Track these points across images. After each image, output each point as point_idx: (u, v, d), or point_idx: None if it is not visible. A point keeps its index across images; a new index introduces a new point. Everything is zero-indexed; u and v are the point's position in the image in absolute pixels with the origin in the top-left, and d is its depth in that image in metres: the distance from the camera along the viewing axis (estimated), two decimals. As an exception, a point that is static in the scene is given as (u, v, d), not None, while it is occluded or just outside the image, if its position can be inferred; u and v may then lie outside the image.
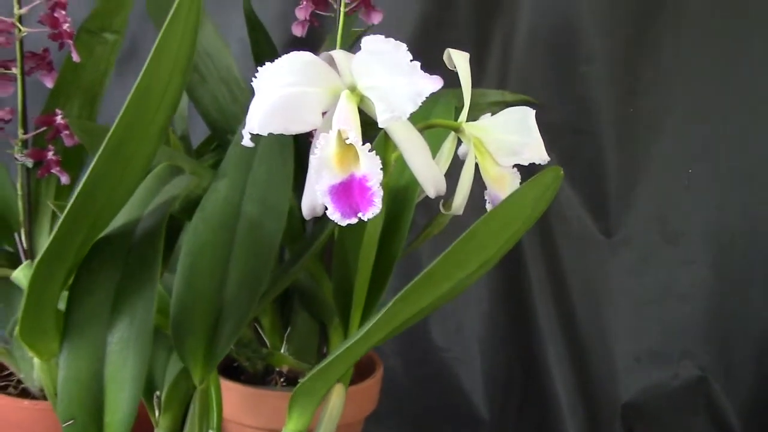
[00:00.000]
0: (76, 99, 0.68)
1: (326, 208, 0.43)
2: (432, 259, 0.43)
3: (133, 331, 0.49)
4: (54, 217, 0.72)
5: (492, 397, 0.99)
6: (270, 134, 0.58)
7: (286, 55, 0.46)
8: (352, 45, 0.75)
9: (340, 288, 0.61)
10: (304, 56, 0.45)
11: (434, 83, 0.41)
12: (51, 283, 0.47)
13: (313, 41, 0.80)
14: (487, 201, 0.59)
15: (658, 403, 0.99)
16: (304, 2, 0.72)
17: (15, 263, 0.72)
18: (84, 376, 0.48)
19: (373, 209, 0.42)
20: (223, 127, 0.72)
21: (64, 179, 0.66)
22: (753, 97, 1.01)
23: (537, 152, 0.59)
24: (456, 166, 0.57)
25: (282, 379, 0.78)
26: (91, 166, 0.44)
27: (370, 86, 0.44)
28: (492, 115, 0.58)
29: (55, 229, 0.44)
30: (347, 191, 0.43)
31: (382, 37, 0.42)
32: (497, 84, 1.02)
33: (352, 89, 0.47)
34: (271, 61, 0.71)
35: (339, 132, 0.43)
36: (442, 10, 1.01)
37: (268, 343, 0.79)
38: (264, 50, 0.74)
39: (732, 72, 1.01)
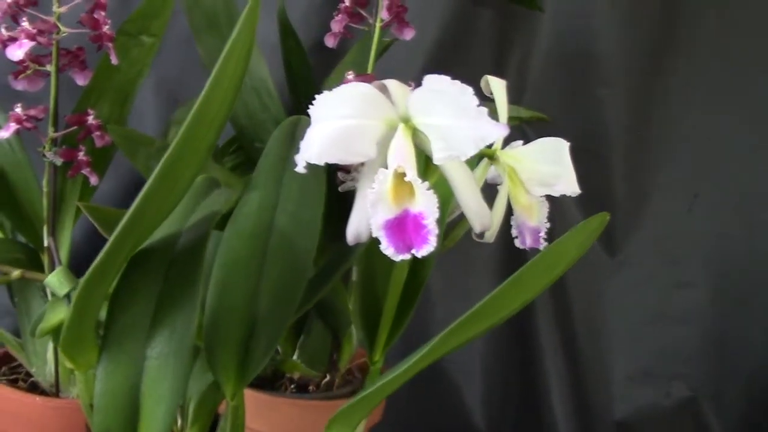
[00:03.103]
0: (107, 99, 0.68)
1: (379, 242, 0.44)
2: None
3: (173, 346, 0.49)
4: (77, 214, 0.71)
5: (490, 412, 1.00)
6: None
7: (344, 85, 0.46)
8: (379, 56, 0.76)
9: (367, 307, 0.62)
10: (362, 88, 0.46)
11: (500, 130, 0.41)
12: (94, 298, 0.47)
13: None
14: (514, 226, 0.60)
15: (651, 422, 1.01)
16: (340, 15, 0.72)
17: (33, 258, 0.72)
18: (121, 389, 0.49)
19: (427, 247, 0.43)
20: (251, 134, 0.72)
21: (93, 180, 0.65)
22: (762, 125, 1.03)
23: (569, 184, 0.60)
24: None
25: (292, 386, 0.79)
26: (146, 186, 0.44)
27: (430, 124, 0.44)
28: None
29: (106, 247, 0.45)
30: (401, 227, 0.43)
31: (448, 78, 0.43)
32: (513, 101, 1.03)
33: (406, 120, 0.47)
34: (302, 69, 0.72)
35: (396, 168, 0.44)
36: (460, 30, 1.02)
37: (280, 350, 0.79)
38: (295, 58, 0.74)
39: (742, 99, 1.03)
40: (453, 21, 1.03)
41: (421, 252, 0.43)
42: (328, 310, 0.76)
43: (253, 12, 0.43)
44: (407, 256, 0.43)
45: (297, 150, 0.65)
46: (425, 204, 0.43)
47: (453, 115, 0.42)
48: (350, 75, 0.68)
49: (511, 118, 1.02)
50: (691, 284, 1.04)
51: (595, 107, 1.03)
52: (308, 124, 0.66)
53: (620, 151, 1.04)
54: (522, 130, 1.04)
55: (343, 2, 0.71)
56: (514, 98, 1.05)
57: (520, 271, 0.44)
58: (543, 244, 0.58)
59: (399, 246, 0.43)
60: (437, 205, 0.43)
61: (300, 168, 0.46)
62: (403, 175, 0.44)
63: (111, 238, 0.45)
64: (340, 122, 0.45)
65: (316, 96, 0.47)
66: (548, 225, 0.60)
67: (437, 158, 0.44)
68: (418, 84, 0.77)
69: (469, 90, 0.42)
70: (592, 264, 1.03)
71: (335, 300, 0.75)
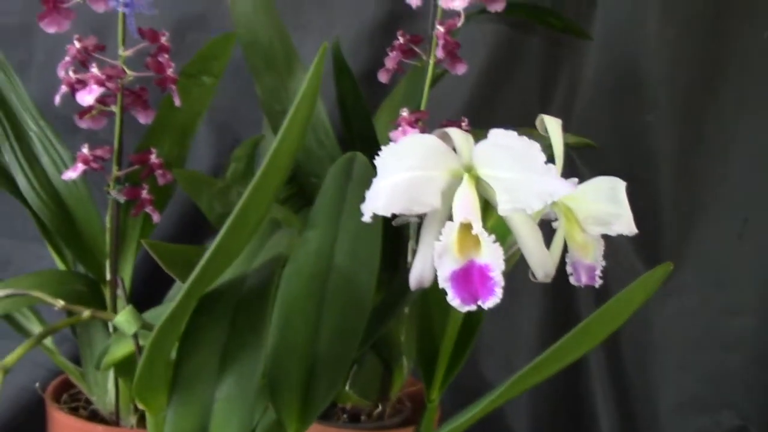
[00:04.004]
0: (168, 137, 0.70)
1: (446, 293, 0.44)
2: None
3: (240, 388, 0.50)
4: (138, 248, 0.73)
5: (537, 436, 1.00)
6: (360, 189, 0.59)
7: (410, 137, 0.47)
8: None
9: (424, 343, 0.62)
10: (427, 140, 0.47)
11: (568, 187, 0.42)
12: (167, 343, 0.49)
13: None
14: (568, 263, 0.60)
15: (700, 451, 1.00)
16: (394, 52, 0.73)
17: (94, 289, 0.74)
18: (189, 431, 0.50)
19: (493, 299, 0.43)
20: (308, 169, 0.74)
21: (156, 218, 0.67)
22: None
23: (626, 224, 0.60)
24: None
25: (344, 415, 0.80)
26: (219, 236, 0.45)
27: (495, 176, 0.45)
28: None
29: (180, 295, 0.46)
30: (467, 278, 0.44)
31: (514, 133, 0.43)
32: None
33: (469, 169, 0.48)
34: (356, 105, 0.72)
35: (461, 221, 0.44)
36: (507, 57, 1.02)
37: (333, 380, 0.80)
38: (350, 95, 0.75)
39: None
40: (500, 48, 1.03)
41: (488, 304, 0.43)
42: (380, 341, 0.77)
43: (316, 73, 0.44)
44: (473, 308, 0.44)
45: (353, 187, 0.66)
46: (491, 256, 0.44)
47: (520, 169, 0.43)
48: (404, 112, 0.69)
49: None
50: (741, 311, 1.03)
51: (642, 133, 1.03)
52: (363, 161, 0.67)
53: (667, 177, 1.03)
54: (569, 157, 1.04)
55: (398, 40, 0.73)
56: (563, 119, 1.05)
57: (588, 320, 0.44)
58: (598, 282, 0.58)
59: (465, 297, 0.44)
60: (503, 257, 0.44)
61: (366, 218, 0.47)
62: (469, 226, 0.44)
63: (185, 287, 0.46)
64: (405, 174, 0.45)
65: (382, 148, 0.48)
66: (604, 263, 0.60)
67: (502, 209, 0.45)
68: (470, 119, 0.78)
69: (536, 145, 0.43)
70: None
71: (387, 332, 0.76)
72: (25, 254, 0.95)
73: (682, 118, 1.03)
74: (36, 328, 0.80)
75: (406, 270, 0.70)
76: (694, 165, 1.04)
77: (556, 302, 1.03)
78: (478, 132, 0.96)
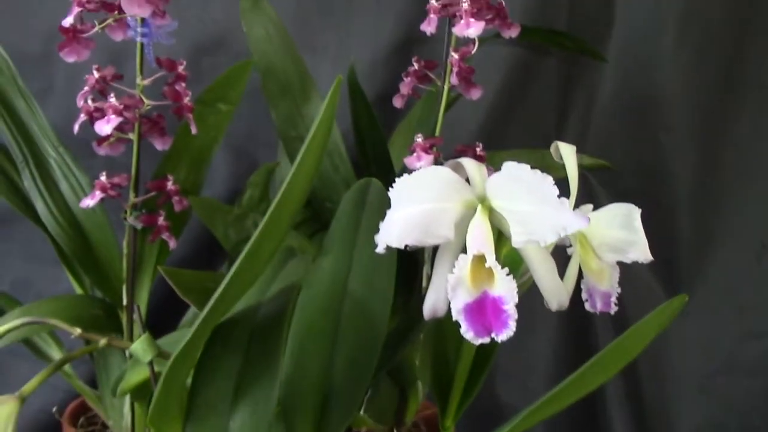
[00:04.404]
0: (184, 163, 0.70)
1: (459, 326, 0.44)
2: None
3: (255, 417, 0.50)
4: (154, 274, 0.74)
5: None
6: (374, 216, 0.60)
7: (423, 170, 0.47)
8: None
9: (438, 370, 0.62)
10: (441, 172, 0.47)
11: (581, 222, 0.42)
12: (182, 373, 0.49)
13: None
14: (584, 290, 0.59)
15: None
16: (409, 78, 0.73)
17: (111, 314, 0.75)
18: (204, 460, 0.50)
19: (507, 332, 0.43)
20: (323, 195, 0.74)
21: (172, 244, 0.68)
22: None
23: (641, 251, 0.60)
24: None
25: (359, 440, 0.80)
26: (235, 266, 0.46)
27: (508, 209, 0.45)
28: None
29: (196, 325, 0.46)
30: (481, 310, 0.44)
31: (527, 166, 0.43)
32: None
33: (482, 200, 0.48)
34: (371, 130, 0.73)
35: (475, 253, 0.44)
36: (522, 78, 1.02)
37: (348, 404, 0.80)
38: (365, 120, 0.76)
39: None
40: (516, 69, 1.03)
41: (501, 336, 0.43)
42: (395, 366, 0.76)
43: (331, 106, 0.45)
44: (487, 340, 0.44)
45: (368, 214, 0.66)
46: (505, 289, 0.44)
47: (534, 202, 0.43)
48: (419, 138, 0.69)
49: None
50: (762, 334, 1.02)
51: (658, 153, 1.03)
52: (378, 187, 0.67)
53: (684, 198, 1.03)
54: (584, 177, 1.04)
55: (413, 65, 0.73)
56: (576, 145, 1.05)
57: (601, 354, 0.44)
58: (614, 309, 0.58)
59: (479, 330, 0.44)
60: (516, 289, 0.44)
61: (380, 249, 0.47)
62: (483, 258, 0.44)
63: (200, 317, 0.46)
64: (419, 206, 0.46)
65: (396, 172, 0.48)
66: (619, 290, 0.60)
67: (516, 242, 0.45)
68: (486, 139, 0.78)
69: (549, 179, 0.43)
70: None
71: (402, 356, 0.76)
72: (44, 277, 0.96)
73: (699, 140, 1.02)
74: (54, 352, 0.80)
75: (420, 295, 0.70)
76: (711, 187, 1.03)
77: (573, 325, 1.03)
78: (494, 154, 0.96)
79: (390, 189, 0.47)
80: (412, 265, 0.76)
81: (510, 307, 0.43)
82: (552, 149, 0.64)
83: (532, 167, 0.43)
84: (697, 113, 1.02)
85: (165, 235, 0.67)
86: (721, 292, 1.03)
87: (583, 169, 1.04)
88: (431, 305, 0.50)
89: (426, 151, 0.69)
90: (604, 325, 1.01)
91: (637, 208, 0.60)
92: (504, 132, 1.03)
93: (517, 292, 0.84)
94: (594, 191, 1.03)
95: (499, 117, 1.03)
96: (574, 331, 1.02)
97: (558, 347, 1.03)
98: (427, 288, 0.51)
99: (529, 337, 1.03)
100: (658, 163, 1.02)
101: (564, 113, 1.05)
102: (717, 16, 0.99)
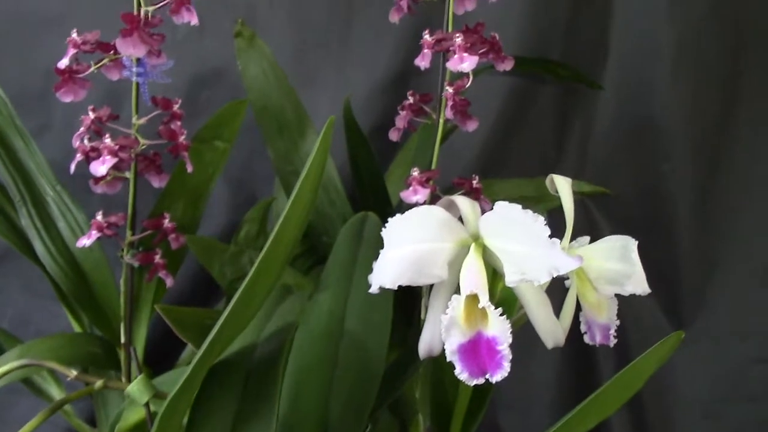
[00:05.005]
0: (181, 201, 0.70)
1: (454, 367, 0.44)
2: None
3: (251, 460, 0.50)
4: (152, 312, 0.74)
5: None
6: (371, 250, 0.59)
7: (416, 209, 0.47)
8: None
9: (437, 402, 0.62)
10: (434, 212, 0.47)
11: (574, 263, 0.42)
12: (179, 412, 0.49)
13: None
14: (582, 322, 0.59)
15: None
16: (404, 111, 0.74)
17: (109, 351, 0.75)
18: (201, 503, 0.50)
19: (501, 372, 0.43)
20: (319, 229, 0.74)
21: (169, 282, 0.68)
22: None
23: (638, 284, 0.59)
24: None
25: (360, 475, 0.79)
26: (231, 305, 0.46)
27: (501, 248, 0.45)
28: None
29: (192, 366, 0.46)
30: (475, 350, 0.44)
31: (519, 206, 0.43)
32: (574, 176, 1.03)
33: (476, 238, 0.48)
34: (367, 163, 0.72)
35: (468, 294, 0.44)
36: (521, 106, 1.03)
37: (348, 439, 0.79)
38: (361, 153, 0.76)
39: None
40: (513, 97, 1.04)
41: (495, 377, 0.43)
42: (395, 399, 0.76)
43: (323, 146, 0.45)
44: (481, 381, 0.43)
45: (365, 248, 0.66)
46: (499, 329, 0.43)
47: (526, 243, 0.43)
48: (415, 171, 0.69)
49: (572, 193, 1.03)
50: (767, 359, 1.01)
51: (657, 181, 1.03)
52: (375, 221, 0.67)
53: (684, 225, 1.02)
54: (584, 205, 1.04)
55: (408, 99, 0.73)
56: (575, 172, 1.05)
57: (599, 391, 0.44)
58: (613, 341, 0.58)
59: (473, 371, 0.44)
60: (510, 329, 0.43)
61: (374, 289, 0.47)
62: (476, 298, 0.44)
63: (196, 359, 0.46)
64: (413, 246, 0.46)
65: (393, 205, 0.48)
66: (618, 322, 0.59)
67: (509, 281, 0.44)
68: (484, 167, 0.78)
69: (541, 219, 0.43)
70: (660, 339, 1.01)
71: (403, 389, 0.76)
72: (43, 314, 0.96)
73: (696, 166, 1.02)
74: (53, 389, 0.80)
75: (419, 327, 0.70)
76: (713, 213, 1.03)
77: (574, 352, 1.02)
78: (491, 182, 0.96)
79: (385, 224, 0.47)
80: (410, 297, 0.76)
81: (504, 347, 0.43)
82: (547, 182, 0.64)
83: (524, 207, 0.43)
84: (694, 139, 1.02)
85: (162, 274, 0.67)
86: (725, 317, 1.02)
87: (582, 197, 1.04)
88: (427, 344, 0.50)
89: (422, 184, 0.69)
90: (605, 353, 1.00)
91: (634, 240, 0.60)
92: (502, 160, 1.03)
93: (514, 326, 0.84)
94: (594, 219, 1.03)
95: (496, 145, 1.04)
96: (576, 359, 1.01)
97: (560, 376, 1.03)
98: (425, 320, 0.51)
99: (531, 367, 1.02)
100: (659, 188, 1.02)
101: (562, 141, 1.05)
102: (711, 45, 0.99)
